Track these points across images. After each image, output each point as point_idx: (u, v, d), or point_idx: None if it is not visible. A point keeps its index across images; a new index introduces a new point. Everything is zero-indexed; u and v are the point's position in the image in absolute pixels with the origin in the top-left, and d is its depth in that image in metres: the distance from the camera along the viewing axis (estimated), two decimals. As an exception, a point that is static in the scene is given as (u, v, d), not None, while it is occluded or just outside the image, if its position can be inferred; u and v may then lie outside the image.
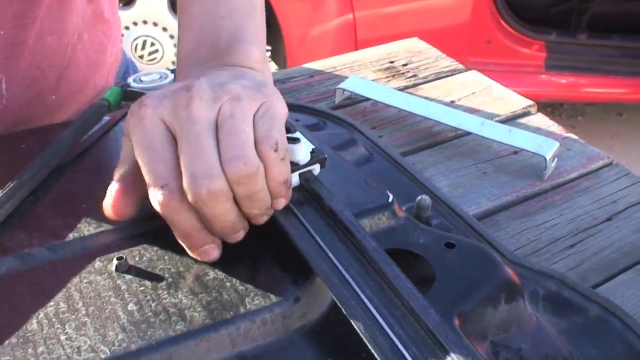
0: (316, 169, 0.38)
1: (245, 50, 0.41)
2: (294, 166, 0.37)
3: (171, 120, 0.34)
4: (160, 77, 0.49)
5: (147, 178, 0.33)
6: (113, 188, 0.35)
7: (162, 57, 1.98)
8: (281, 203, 0.36)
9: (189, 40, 0.43)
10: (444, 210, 0.46)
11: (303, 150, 0.37)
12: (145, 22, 1.95)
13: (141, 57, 1.97)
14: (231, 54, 0.41)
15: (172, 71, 0.51)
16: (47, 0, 0.51)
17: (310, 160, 0.37)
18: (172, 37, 1.96)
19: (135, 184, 0.35)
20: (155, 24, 1.95)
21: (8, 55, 0.51)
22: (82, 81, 0.58)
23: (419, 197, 0.43)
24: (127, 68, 0.68)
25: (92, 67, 0.59)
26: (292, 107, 0.55)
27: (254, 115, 0.34)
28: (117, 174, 0.36)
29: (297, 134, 0.37)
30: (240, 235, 0.35)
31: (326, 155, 0.38)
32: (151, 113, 0.34)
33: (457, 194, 0.54)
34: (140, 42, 1.95)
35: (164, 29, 1.96)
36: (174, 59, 1.98)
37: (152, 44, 1.96)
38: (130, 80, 0.49)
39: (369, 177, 0.43)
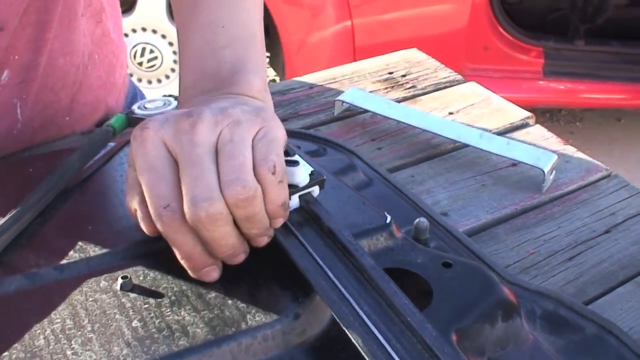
0: (315, 190, 0.39)
1: (246, 80, 0.42)
2: (294, 188, 0.37)
3: (172, 144, 0.34)
4: (164, 104, 0.51)
5: (149, 198, 0.34)
6: (138, 216, 0.36)
7: (161, 64, 1.99)
8: (279, 222, 0.36)
9: (191, 71, 0.44)
10: (442, 233, 0.47)
11: (302, 173, 0.38)
12: (144, 30, 1.96)
13: (140, 64, 1.98)
14: (233, 84, 0.41)
15: (176, 98, 0.52)
16: (56, 22, 0.52)
17: (310, 182, 0.38)
18: (171, 44, 1.97)
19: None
20: (154, 31, 1.96)
21: (22, 80, 0.52)
22: (95, 102, 0.59)
23: (417, 220, 0.44)
24: (135, 93, 0.68)
25: (103, 88, 0.60)
26: (292, 134, 0.56)
27: (253, 139, 0.35)
28: (130, 203, 0.36)
29: (296, 157, 0.38)
30: (240, 258, 0.36)
31: (325, 177, 0.39)
32: (153, 136, 0.34)
33: (456, 207, 0.54)
34: (139, 49, 1.96)
35: (163, 36, 1.97)
36: (173, 65, 1.99)
37: (152, 51, 1.97)
38: (134, 107, 0.50)
39: (368, 200, 0.43)
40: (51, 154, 0.50)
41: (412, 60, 0.78)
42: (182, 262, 0.35)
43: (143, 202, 0.35)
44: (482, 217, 0.53)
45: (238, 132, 0.34)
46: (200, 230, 0.33)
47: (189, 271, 0.36)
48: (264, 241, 0.36)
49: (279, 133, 0.36)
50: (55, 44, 0.53)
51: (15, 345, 0.32)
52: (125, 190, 0.37)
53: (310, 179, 0.38)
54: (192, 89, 0.43)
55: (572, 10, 1.93)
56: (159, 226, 0.34)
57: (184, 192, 0.33)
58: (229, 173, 0.33)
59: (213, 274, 0.35)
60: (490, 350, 0.36)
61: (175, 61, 1.98)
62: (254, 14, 0.46)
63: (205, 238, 0.34)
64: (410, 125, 0.62)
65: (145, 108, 0.50)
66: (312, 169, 0.39)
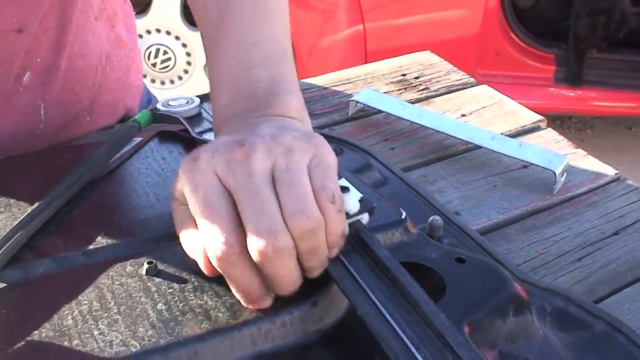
0: (365, 217, 0.38)
1: (284, 100, 0.40)
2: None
3: (225, 175, 0.33)
4: (187, 102, 0.52)
5: (205, 233, 0.32)
6: (197, 256, 0.34)
7: (175, 65, 2.01)
8: (335, 252, 0.35)
9: (225, 91, 0.42)
10: (455, 231, 0.48)
11: (353, 199, 0.37)
12: (158, 31, 1.98)
13: (154, 65, 2.01)
14: (270, 105, 0.40)
15: (199, 97, 0.54)
16: (74, 25, 0.53)
17: (360, 209, 0.37)
18: (184, 45, 1.99)
19: None
20: (168, 33, 1.98)
21: (44, 82, 0.53)
22: (114, 103, 0.60)
23: (431, 218, 0.45)
24: (150, 98, 0.70)
25: (122, 89, 0.61)
26: None
27: (308, 167, 0.34)
28: (185, 242, 0.35)
29: (346, 182, 0.37)
30: (293, 291, 0.35)
31: (375, 205, 0.38)
32: (205, 168, 0.33)
33: (468, 207, 0.55)
34: (153, 50, 1.98)
35: (177, 38, 1.99)
36: (186, 67, 2.01)
37: (165, 52, 1.99)
38: (159, 104, 0.52)
39: (384, 197, 0.44)
40: (78, 146, 0.52)
41: (425, 63, 0.79)
42: (236, 293, 0.34)
43: (199, 239, 0.33)
44: (493, 217, 0.54)
45: (293, 160, 0.33)
46: (265, 265, 0.32)
47: (241, 301, 0.34)
48: (318, 273, 0.35)
49: (332, 159, 0.35)
50: (75, 47, 0.54)
51: (45, 324, 0.34)
52: (176, 225, 0.35)
53: (360, 205, 0.37)
54: (227, 109, 0.41)
55: (594, 32, 1.91)
56: (216, 263, 0.33)
57: (246, 226, 0.32)
58: (292, 203, 0.32)
59: (266, 303, 0.34)
60: (501, 344, 0.37)
61: (188, 62, 2.01)
62: (282, 28, 0.45)
63: (269, 274, 0.33)
64: (423, 126, 0.64)
65: (169, 105, 0.52)
66: (361, 195, 0.38)
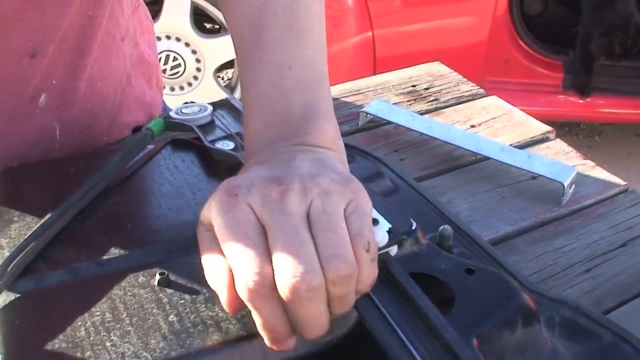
0: (393, 249, 0.38)
1: (320, 128, 0.39)
2: None
3: (260, 211, 0.32)
4: (200, 110, 0.52)
5: (237, 263, 0.31)
6: (221, 288, 0.33)
7: (184, 71, 2.03)
8: (358, 297, 0.34)
9: (258, 116, 0.40)
10: (465, 240, 0.48)
11: (382, 232, 0.36)
12: (168, 37, 2.00)
13: (164, 71, 2.02)
14: (306, 133, 0.38)
15: (212, 104, 0.54)
16: (97, 48, 0.53)
17: (389, 241, 0.37)
18: (194, 52, 2.01)
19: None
20: (178, 39, 2.00)
21: (61, 104, 0.53)
22: (133, 123, 0.60)
23: (442, 227, 0.45)
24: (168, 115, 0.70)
25: (141, 109, 0.61)
26: None
27: (344, 212, 0.33)
28: (211, 271, 0.33)
29: (375, 214, 0.37)
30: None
31: (404, 237, 0.38)
32: (241, 201, 0.32)
33: (477, 218, 0.56)
34: (163, 56, 2.00)
35: (187, 44, 2.00)
36: (196, 73, 2.02)
37: (175, 59, 2.01)
38: (172, 112, 0.52)
39: (394, 207, 0.45)
40: (92, 155, 0.52)
41: (435, 74, 0.79)
42: (261, 331, 0.33)
43: (227, 269, 0.32)
44: (502, 229, 0.54)
45: (329, 204, 0.33)
46: (295, 305, 0.31)
47: (266, 341, 0.33)
48: (339, 316, 0.34)
49: (368, 207, 0.34)
50: (94, 69, 0.53)
51: (58, 335, 0.34)
52: (201, 252, 0.34)
53: (389, 236, 0.37)
54: (261, 134, 0.40)
55: (610, 50, 1.89)
56: (246, 295, 0.31)
57: (280, 262, 0.31)
58: (329, 247, 0.31)
59: (291, 344, 0.33)
60: (509, 355, 0.37)
61: (198, 69, 2.02)
62: (318, 50, 0.43)
63: (298, 315, 0.31)
64: (432, 137, 0.64)
65: (183, 113, 0.52)
66: (389, 225, 0.37)
